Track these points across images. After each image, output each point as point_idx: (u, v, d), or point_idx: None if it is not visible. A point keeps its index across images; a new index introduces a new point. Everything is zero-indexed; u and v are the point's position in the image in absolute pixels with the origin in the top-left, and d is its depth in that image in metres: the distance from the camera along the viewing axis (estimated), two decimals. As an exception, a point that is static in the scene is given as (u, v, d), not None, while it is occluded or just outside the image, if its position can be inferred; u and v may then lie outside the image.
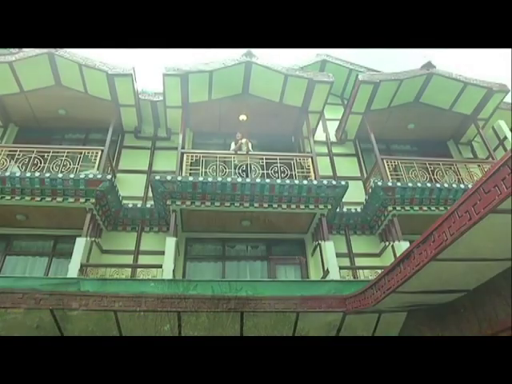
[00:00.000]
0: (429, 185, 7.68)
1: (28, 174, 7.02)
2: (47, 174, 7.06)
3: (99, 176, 7.18)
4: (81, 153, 7.97)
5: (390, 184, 7.65)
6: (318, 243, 7.56)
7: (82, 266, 6.54)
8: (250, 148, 8.42)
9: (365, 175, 9.38)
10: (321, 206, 7.58)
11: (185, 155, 8.07)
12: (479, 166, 8.88)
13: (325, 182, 7.52)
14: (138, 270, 7.23)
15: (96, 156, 7.83)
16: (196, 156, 8.19)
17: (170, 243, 6.93)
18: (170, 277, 6.42)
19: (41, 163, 7.63)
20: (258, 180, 7.35)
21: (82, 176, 7.10)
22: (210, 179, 7.24)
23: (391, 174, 8.20)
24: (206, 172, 7.84)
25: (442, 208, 7.67)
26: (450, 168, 8.62)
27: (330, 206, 7.63)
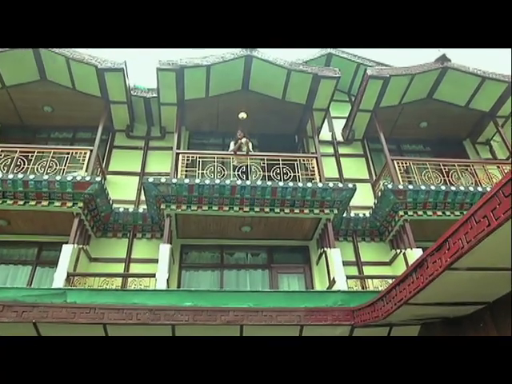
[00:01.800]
0: (443, 188, 7.67)
1: (10, 176, 7.02)
2: (31, 176, 7.06)
3: (88, 178, 7.18)
4: (68, 153, 7.98)
5: (401, 187, 7.63)
6: (324, 251, 7.55)
7: (68, 275, 6.53)
8: (251, 148, 8.42)
9: (374, 177, 9.38)
10: (326, 211, 7.58)
11: (180, 156, 8.08)
12: (498, 167, 8.88)
13: (331, 184, 7.52)
14: (130, 279, 7.22)
15: (84, 156, 7.82)
16: (192, 157, 8.20)
17: (164, 251, 6.92)
18: (164, 287, 6.42)
19: (24, 164, 7.63)
20: (259, 182, 7.34)
21: (69, 178, 7.10)
22: (207, 181, 7.24)
23: (402, 176, 8.19)
24: (202, 174, 7.84)
25: (457, 213, 7.66)
26: (467, 169, 8.60)
27: (336, 211, 7.62)
